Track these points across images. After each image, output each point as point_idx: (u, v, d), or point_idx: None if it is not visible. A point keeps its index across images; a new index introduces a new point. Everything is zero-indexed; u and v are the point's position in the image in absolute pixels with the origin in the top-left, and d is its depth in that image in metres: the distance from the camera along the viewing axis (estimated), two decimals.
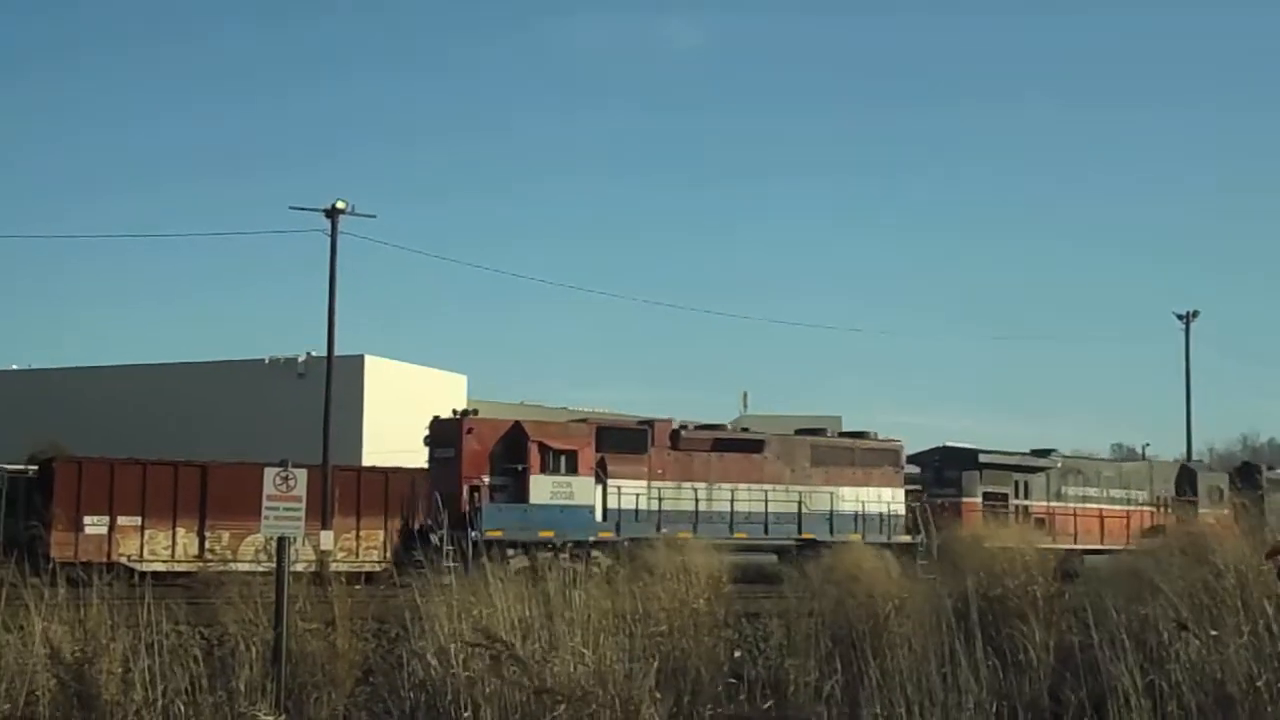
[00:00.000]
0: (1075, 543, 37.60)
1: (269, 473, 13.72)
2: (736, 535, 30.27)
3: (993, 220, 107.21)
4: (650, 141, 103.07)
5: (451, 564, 25.61)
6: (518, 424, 30.35)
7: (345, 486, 36.23)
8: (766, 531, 31.94)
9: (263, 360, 53.46)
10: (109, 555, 31.80)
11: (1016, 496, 39.19)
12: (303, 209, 39.67)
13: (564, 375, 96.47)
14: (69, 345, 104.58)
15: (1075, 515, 39.83)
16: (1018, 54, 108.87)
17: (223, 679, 11.37)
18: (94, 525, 33.01)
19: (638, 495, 30.57)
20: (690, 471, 31.83)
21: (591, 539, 29.29)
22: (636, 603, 12.96)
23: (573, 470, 29.83)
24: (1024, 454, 41.96)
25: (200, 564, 31.57)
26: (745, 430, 37.21)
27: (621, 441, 31.21)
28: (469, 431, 29.49)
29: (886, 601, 15.56)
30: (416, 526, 29.07)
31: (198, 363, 55.54)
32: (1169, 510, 42.18)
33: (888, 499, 34.88)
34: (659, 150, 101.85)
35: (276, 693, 11.45)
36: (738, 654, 15.01)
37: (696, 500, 31.31)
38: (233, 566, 27.52)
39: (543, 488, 29.46)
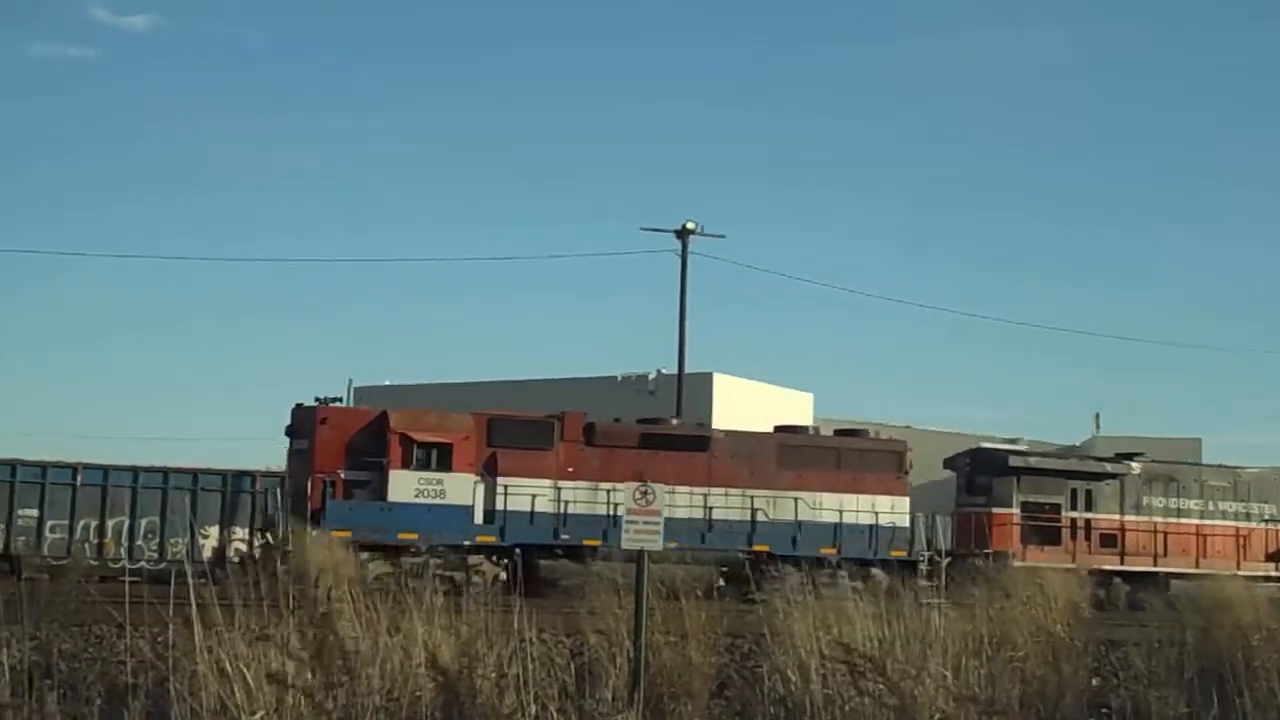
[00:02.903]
0: (1155, 564, 33.53)
1: (627, 488, 14.16)
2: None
3: None
4: (1011, 168, 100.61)
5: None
6: (382, 414, 27.94)
7: None
8: (703, 541, 28.31)
9: (615, 377, 54.81)
10: None
11: (1074, 508, 34.36)
12: (654, 229, 40.75)
13: (910, 393, 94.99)
14: (434, 364, 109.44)
15: (1158, 531, 34.71)
16: None
17: (589, 686, 11.80)
18: None
19: (534, 496, 27.81)
20: (609, 471, 28.16)
21: (467, 543, 26.89)
22: (994, 626, 12.82)
23: (445, 466, 27.13)
24: (1087, 457, 37.47)
25: None
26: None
27: (519, 435, 28.46)
28: (323, 421, 27.31)
29: (1254, 631, 14.94)
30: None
31: (554, 379, 57.35)
32: None
33: (884, 508, 30.47)
34: (1011, 178, 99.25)
35: (639, 702, 11.81)
36: (1095, 682, 14.68)
37: (611, 503, 27.42)
38: None
39: (405, 484, 26.98)
